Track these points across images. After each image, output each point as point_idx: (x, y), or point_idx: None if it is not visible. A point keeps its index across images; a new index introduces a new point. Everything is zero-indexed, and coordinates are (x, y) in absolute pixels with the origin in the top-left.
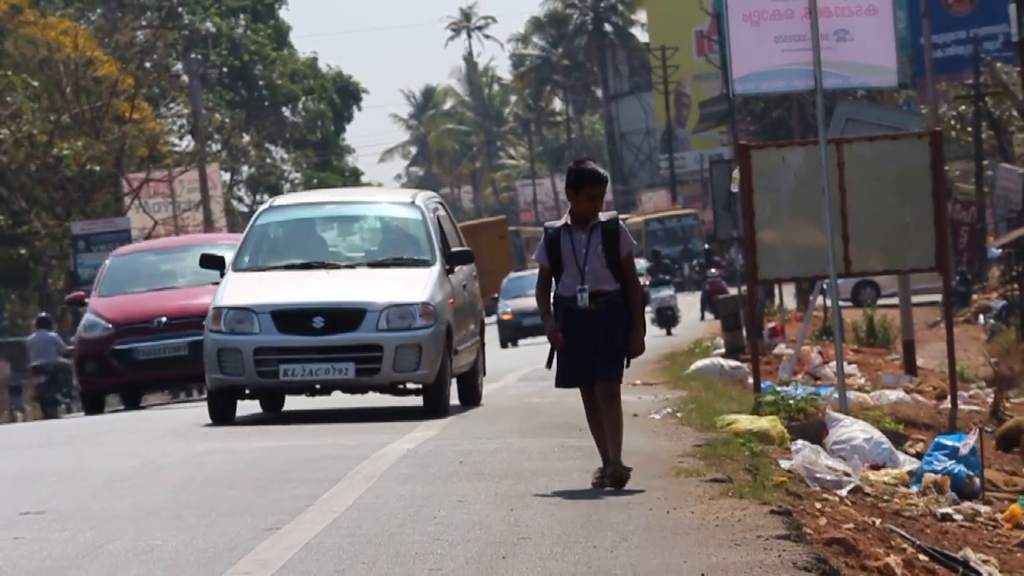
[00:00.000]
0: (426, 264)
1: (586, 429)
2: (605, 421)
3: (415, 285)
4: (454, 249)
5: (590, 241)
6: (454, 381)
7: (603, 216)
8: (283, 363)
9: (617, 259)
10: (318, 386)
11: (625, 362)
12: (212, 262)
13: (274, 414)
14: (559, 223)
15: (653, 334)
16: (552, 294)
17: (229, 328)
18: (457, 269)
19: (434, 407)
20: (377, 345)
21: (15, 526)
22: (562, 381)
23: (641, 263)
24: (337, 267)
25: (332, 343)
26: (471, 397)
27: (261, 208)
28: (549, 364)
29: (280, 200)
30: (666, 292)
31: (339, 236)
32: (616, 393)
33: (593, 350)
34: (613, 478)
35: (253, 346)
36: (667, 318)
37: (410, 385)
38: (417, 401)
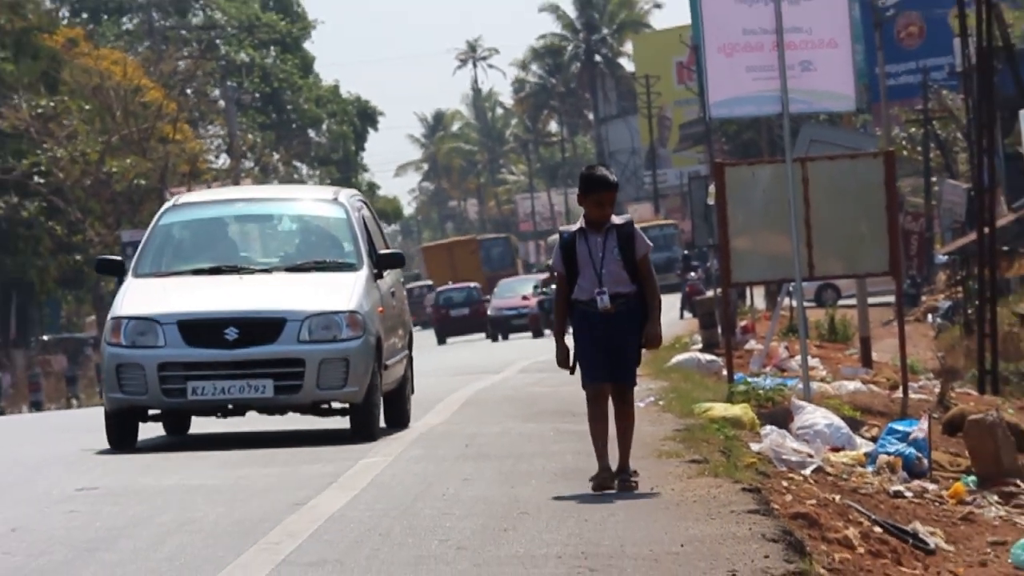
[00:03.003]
0: (352, 268)
1: (581, 415)
2: (618, 424)
3: (340, 291)
4: (382, 251)
5: (606, 244)
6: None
7: (618, 219)
8: (191, 380)
9: (633, 261)
10: (231, 406)
11: (638, 357)
12: (109, 267)
13: (179, 438)
14: (574, 227)
15: None
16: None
17: (130, 341)
18: (385, 274)
19: (362, 430)
20: (298, 359)
21: (71, 500)
22: (590, 379)
23: None
24: (251, 272)
25: (247, 357)
26: (398, 419)
27: (164, 206)
28: (573, 370)
29: (185, 198)
30: None
31: (253, 237)
32: (630, 397)
33: (610, 352)
34: (622, 487)
35: (157, 361)
36: None
37: (336, 404)
38: (343, 423)
